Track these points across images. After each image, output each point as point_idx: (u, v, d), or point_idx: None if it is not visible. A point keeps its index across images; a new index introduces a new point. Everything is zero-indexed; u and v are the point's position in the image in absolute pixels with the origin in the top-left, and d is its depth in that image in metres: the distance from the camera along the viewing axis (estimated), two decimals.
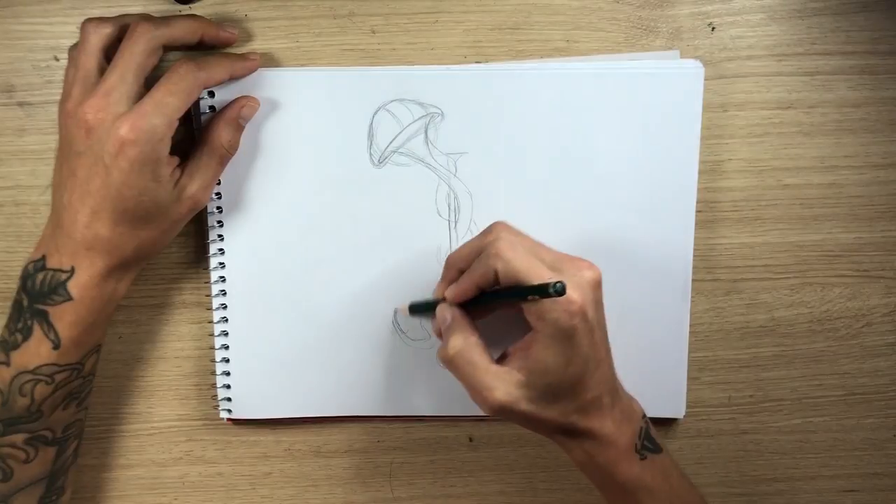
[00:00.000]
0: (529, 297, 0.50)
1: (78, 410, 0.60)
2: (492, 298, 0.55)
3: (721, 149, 0.65)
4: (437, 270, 0.63)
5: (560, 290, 0.47)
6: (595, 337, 0.52)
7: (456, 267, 0.57)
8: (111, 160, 0.53)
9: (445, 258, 0.58)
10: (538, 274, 0.50)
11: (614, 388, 0.55)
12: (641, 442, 0.55)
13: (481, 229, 0.61)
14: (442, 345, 0.55)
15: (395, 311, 0.64)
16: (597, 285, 0.52)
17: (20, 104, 0.62)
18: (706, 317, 0.67)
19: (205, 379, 0.67)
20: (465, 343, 0.53)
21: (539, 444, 0.69)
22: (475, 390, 0.53)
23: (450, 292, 0.56)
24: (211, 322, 0.65)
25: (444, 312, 0.56)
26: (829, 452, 0.70)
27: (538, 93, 0.62)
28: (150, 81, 0.55)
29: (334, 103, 0.62)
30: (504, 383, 0.52)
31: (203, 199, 0.58)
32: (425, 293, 0.64)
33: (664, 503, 0.55)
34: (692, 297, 0.66)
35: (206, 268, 0.64)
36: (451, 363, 0.54)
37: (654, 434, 0.57)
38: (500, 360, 0.54)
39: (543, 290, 0.48)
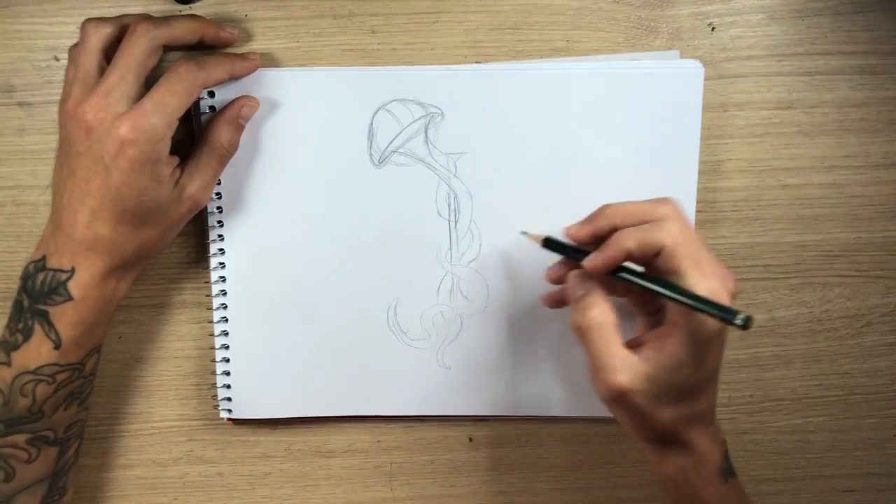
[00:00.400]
0: (700, 309, 0.48)
1: (79, 410, 0.60)
2: (643, 281, 0.52)
3: (721, 149, 0.65)
4: (437, 270, 0.64)
5: (744, 325, 0.46)
6: (722, 350, 0.52)
7: (610, 219, 0.53)
8: (111, 160, 0.53)
9: (565, 229, 0.56)
10: (702, 271, 0.49)
11: (715, 408, 0.54)
12: (726, 464, 0.55)
13: (482, 229, 0.62)
14: (577, 312, 0.53)
15: (523, 233, 0.62)
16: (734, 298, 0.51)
17: (20, 104, 0.62)
18: None
19: (205, 379, 0.67)
20: (603, 318, 0.52)
21: (539, 445, 0.69)
22: (599, 368, 0.51)
23: (596, 258, 0.52)
24: (211, 322, 0.65)
25: (583, 283, 0.54)
26: (828, 452, 0.70)
27: (538, 93, 0.62)
28: (150, 81, 0.55)
29: (334, 103, 0.62)
30: (631, 370, 0.50)
31: (203, 199, 0.58)
32: (425, 293, 0.64)
33: None
34: None
35: (207, 268, 0.64)
36: (584, 333, 0.52)
37: (730, 458, 0.56)
38: (630, 346, 0.52)
39: (727, 315, 0.47)
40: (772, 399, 0.69)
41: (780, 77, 0.64)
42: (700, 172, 0.63)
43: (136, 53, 0.54)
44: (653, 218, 0.52)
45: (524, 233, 0.62)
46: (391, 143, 0.62)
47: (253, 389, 0.66)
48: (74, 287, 0.55)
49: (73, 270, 0.55)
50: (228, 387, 0.66)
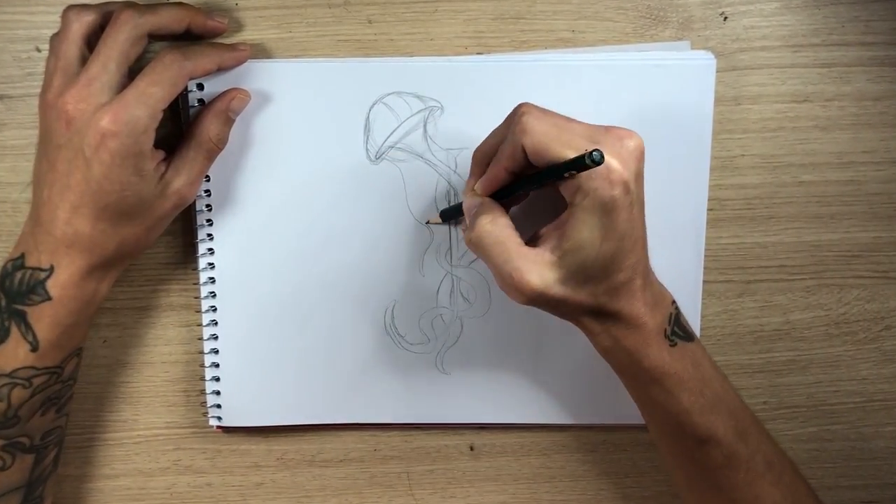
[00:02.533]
0: (565, 175, 0.47)
1: (57, 417, 0.59)
2: (524, 184, 0.52)
3: (734, 144, 0.64)
4: (436, 271, 0.63)
5: (598, 160, 0.44)
6: (633, 213, 0.50)
7: (482, 161, 0.55)
8: (92, 153, 0.52)
9: (463, 199, 0.56)
10: (571, 144, 0.48)
11: (646, 269, 0.53)
12: (671, 328, 0.54)
13: None
14: (468, 228, 0.53)
15: (427, 224, 0.63)
16: (639, 156, 0.50)
17: (0, 97, 0.62)
18: (718, 320, 0.66)
19: (193, 385, 0.67)
20: (494, 224, 0.52)
21: (543, 454, 0.69)
22: (505, 275, 0.51)
23: (479, 184, 0.54)
24: (200, 325, 0.64)
25: (472, 199, 0.55)
26: (846, 462, 0.69)
27: (542, 86, 0.61)
28: (133, 72, 0.54)
29: (329, 97, 0.61)
30: (537, 265, 0.50)
31: (189, 195, 0.58)
32: (424, 295, 0.64)
33: (694, 393, 0.54)
34: (703, 299, 0.65)
35: (195, 268, 0.64)
36: (478, 245, 0.52)
37: (685, 322, 0.55)
38: (531, 243, 0.52)
39: (579, 163, 0.45)
40: (787, 406, 0.68)
41: (795, 69, 0.63)
42: (712, 169, 0.63)
43: (120, 42, 0.53)
44: (509, 129, 0.51)
45: (427, 223, 0.63)
46: (388, 138, 0.62)
47: (244, 396, 0.65)
48: (53, 286, 0.54)
49: (51, 269, 0.54)
50: (218, 393, 0.65)
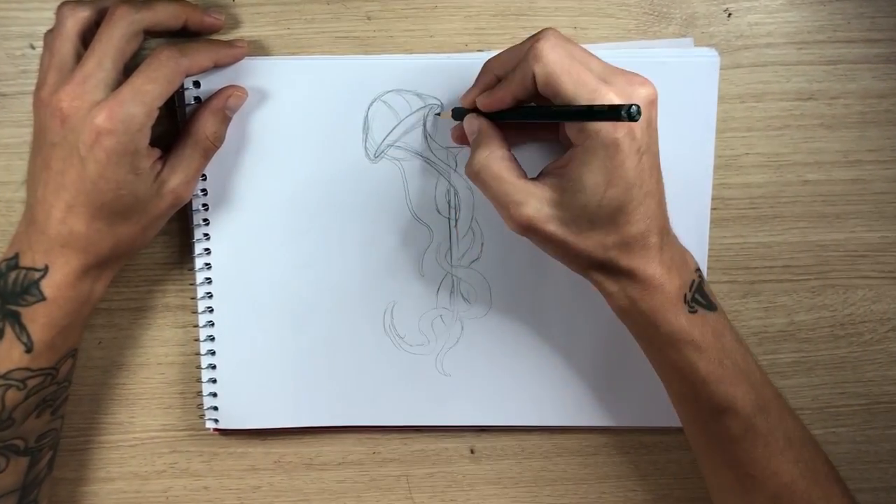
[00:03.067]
0: (594, 112, 0.46)
1: (52, 419, 0.59)
2: (532, 114, 0.52)
3: (738, 142, 0.64)
4: (436, 271, 0.63)
5: (634, 115, 0.42)
6: (643, 162, 0.49)
7: (493, 73, 0.54)
8: (87, 151, 0.52)
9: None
10: (582, 80, 0.48)
11: (665, 228, 0.53)
12: (692, 294, 0.53)
13: (483, 228, 0.62)
14: (468, 159, 0.53)
15: (435, 117, 0.61)
16: (651, 103, 0.49)
17: None
18: None
19: (190, 387, 0.66)
20: (492, 156, 0.52)
21: (544, 457, 0.68)
22: (502, 206, 0.51)
23: (481, 99, 0.54)
24: (196, 326, 0.64)
25: (473, 122, 0.55)
26: (852, 465, 0.69)
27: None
28: (129, 69, 0.54)
29: (327, 94, 0.61)
30: (534, 199, 0.50)
31: (185, 194, 0.58)
32: (423, 296, 0.63)
33: (713, 363, 0.53)
34: None
35: (192, 268, 0.64)
36: (476, 177, 0.52)
37: (708, 291, 0.55)
38: (534, 178, 0.52)
39: (614, 114, 0.43)
40: (792, 408, 0.67)
41: (800, 66, 0.63)
42: (715, 167, 0.63)
43: (115, 38, 0.53)
44: (525, 51, 0.50)
45: (437, 114, 0.61)
46: (387, 136, 0.61)
47: (241, 398, 0.65)
48: (48, 286, 0.54)
49: (46, 269, 0.54)
50: (215, 395, 0.65)
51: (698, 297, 0.54)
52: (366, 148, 0.61)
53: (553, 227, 0.50)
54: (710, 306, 0.54)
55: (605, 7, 0.62)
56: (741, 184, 0.64)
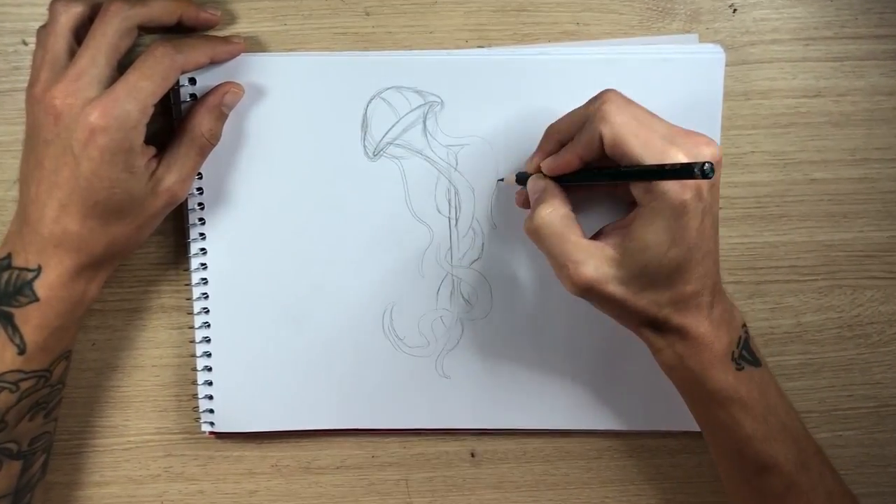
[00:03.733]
0: (665, 170, 0.47)
1: (46, 422, 0.59)
2: (598, 175, 0.52)
3: (743, 140, 0.64)
4: (436, 272, 0.63)
5: (708, 173, 0.43)
6: (705, 223, 0.50)
7: (556, 138, 0.55)
8: (80, 149, 0.52)
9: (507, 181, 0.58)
10: (650, 143, 0.48)
11: (717, 287, 0.53)
12: (739, 351, 0.54)
13: (484, 228, 0.62)
14: (528, 216, 0.54)
15: (498, 183, 0.62)
16: (717, 164, 0.50)
17: None
18: None
19: (185, 389, 0.66)
20: (555, 213, 0.52)
21: (546, 461, 0.68)
22: (561, 264, 0.51)
23: (547, 163, 0.54)
24: (192, 328, 0.64)
25: (538, 183, 0.55)
26: (859, 469, 0.69)
27: (545, 80, 0.61)
28: (123, 66, 0.54)
29: (325, 91, 0.61)
30: (594, 258, 0.51)
31: (181, 192, 0.58)
32: (423, 297, 0.63)
33: (759, 420, 0.54)
34: None
35: (187, 269, 0.64)
36: (536, 233, 0.53)
37: (754, 347, 0.56)
38: (593, 237, 0.53)
39: (687, 171, 0.45)
40: (799, 411, 0.66)
41: (807, 63, 0.63)
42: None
43: (109, 34, 0.53)
44: (589, 114, 0.52)
45: (500, 180, 0.62)
46: (387, 134, 0.61)
47: (237, 401, 0.65)
48: (41, 287, 0.54)
49: (39, 269, 0.54)
50: (210, 398, 0.65)
51: (745, 353, 0.55)
52: (364, 146, 0.61)
53: (612, 288, 0.51)
54: (756, 362, 0.55)
55: (607, 3, 0.62)
56: (746, 182, 0.64)
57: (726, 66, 0.61)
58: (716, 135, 0.61)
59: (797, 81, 0.63)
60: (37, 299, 0.54)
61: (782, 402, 0.56)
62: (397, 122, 0.61)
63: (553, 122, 0.56)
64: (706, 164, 0.43)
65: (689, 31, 0.62)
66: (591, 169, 0.53)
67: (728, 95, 0.62)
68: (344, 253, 0.63)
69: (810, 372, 0.67)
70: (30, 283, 0.54)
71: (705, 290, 0.52)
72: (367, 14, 0.61)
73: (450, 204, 0.62)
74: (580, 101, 0.59)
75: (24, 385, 0.55)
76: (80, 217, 0.53)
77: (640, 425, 0.66)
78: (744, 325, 0.55)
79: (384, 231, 0.63)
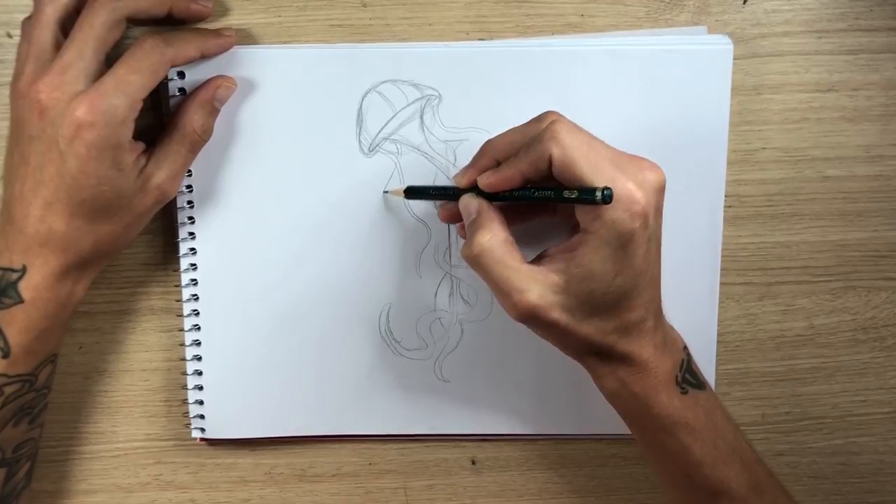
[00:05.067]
0: (566, 196, 0.49)
1: (31, 428, 0.59)
2: (528, 195, 0.53)
3: (753, 136, 0.64)
4: (435, 272, 0.63)
5: (607, 198, 0.47)
6: (650, 249, 0.51)
7: (493, 154, 0.55)
8: (66, 145, 0.52)
9: (460, 201, 0.56)
10: (598, 167, 0.49)
11: (659, 311, 0.54)
12: (682, 374, 0.55)
13: None
14: (466, 242, 0.53)
15: (385, 195, 0.62)
16: (660, 189, 0.51)
17: None
18: (737, 324, 0.67)
19: (175, 394, 0.67)
20: (494, 240, 0.52)
21: (549, 468, 0.69)
22: (503, 293, 0.51)
23: (485, 178, 0.54)
24: (182, 330, 0.64)
25: (471, 203, 0.55)
26: (874, 477, 0.69)
27: (548, 73, 0.61)
28: (111, 59, 0.54)
29: (319, 85, 0.61)
30: (538, 285, 0.51)
31: (171, 190, 0.58)
32: (421, 297, 0.64)
33: (707, 444, 0.54)
34: (721, 302, 0.65)
35: (177, 269, 0.64)
36: (476, 261, 0.53)
37: (696, 369, 0.56)
38: (535, 262, 0.53)
39: (589, 195, 0.47)
40: (811, 417, 0.68)
41: (819, 56, 0.63)
42: (729, 163, 0.63)
43: (96, 26, 0.53)
44: (536, 133, 0.52)
45: (386, 192, 0.62)
46: (383, 129, 0.62)
47: (229, 406, 0.65)
48: (26, 288, 0.54)
49: (24, 269, 0.54)
50: (201, 403, 0.65)
51: (688, 376, 0.55)
52: (360, 141, 0.62)
53: (556, 315, 0.51)
54: (700, 385, 0.56)
55: None
56: (757, 180, 0.64)
57: (736, 59, 0.61)
58: (724, 130, 0.62)
59: (809, 75, 0.63)
60: (21, 301, 0.54)
61: (730, 426, 0.57)
62: (394, 116, 0.61)
63: (492, 137, 0.56)
64: (606, 189, 0.47)
65: (697, 23, 0.62)
66: (524, 189, 0.53)
67: (738, 90, 0.62)
68: (339, 252, 0.63)
69: (823, 376, 0.67)
70: (14, 283, 0.54)
71: (649, 316, 0.53)
72: (364, 5, 0.61)
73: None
74: (583, 95, 0.60)
75: (9, 390, 0.55)
76: (67, 215, 0.53)
77: None
78: (685, 348, 0.56)
79: (380, 229, 0.63)
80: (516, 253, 0.52)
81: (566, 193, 0.49)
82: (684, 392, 0.54)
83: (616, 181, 0.49)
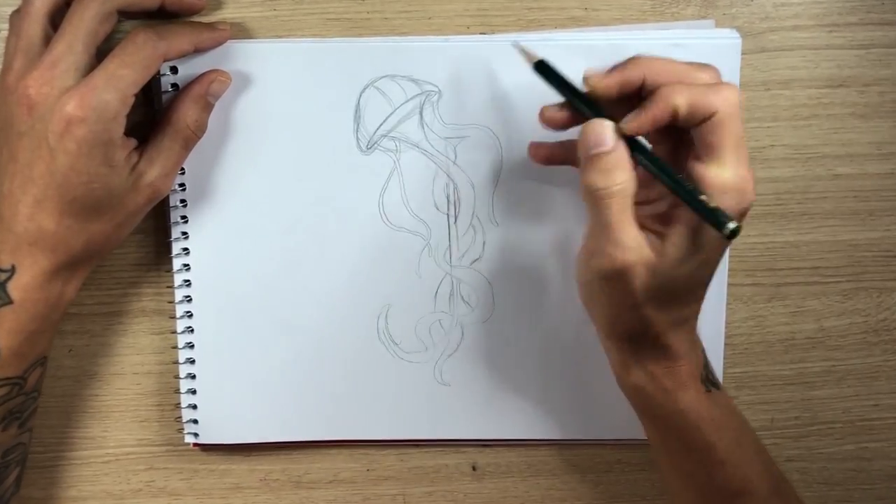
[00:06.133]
0: (696, 204, 0.49)
1: (20, 433, 0.59)
2: (662, 169, 0.51)
3: (762, 133, 0.64)
4: (435, 272, 0.63)
5: (731, 236, 0.47)
6: (722, 256, 0.52)
7: (643, 72, 0.51)
8: (56, 141, 0.52)
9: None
10: (739, 158, 0.49)
11: (698, 314, 0.55)
12: (706, 373, 0.55)
13: (485, 225, 0.62)
14: (597, 171, 0.51)
15: (515, 45, 0.56)
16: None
17: None
18: (745, 326, 0.66)
19: (168, 398, 0.67)
20: (629, 185, 0.51)
21: (553, 475, 0.69)
22: (610, 241, 0.51)
23: (635, 120, 0.50)
24: (174, 332, 0.64)
25: (606, 134, 0.51)
26: (887, 483, 0.69)
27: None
28: (102, 53, 0.54)
29: (316, 80, 0.61)
30: (639, 253, 0.50)
31: (163, 187, 0.58)
32: (420, 299, 0.64)
33: (732, 443, 0.55)
34: (728, 303, 0.65)
35: (169, 270, 0.64)
36: (604, 199, 0.51)
37: (712, 368, 0.57)
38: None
39: (719, 221, 0.48)
40: (821, 422, 0.68)
41: (830, 50, 0.63)
42: None
43: (87, 19, 0.53)
44: (696, 80, 0.51)
45: (515, 43, 0.57)
46: (381, 126, 0.62)
47: (223, 410, 0.65)
48: (14, 288, 0.54)
49: (13, 269, 0.54)
50: (194, 407, 0.65)
51: (709, 375, 0.56)
52: (357, 138, 0.62)
53: (637, 285, 0.51)
54: (717, 384, 0.56)
55: None
56: (766, 178, 0.64)
57: (744, 54, 0.61)
58: None
59: (820, 70, 0.63)
60: (10, 301, 0.54)
61: (748, 427, 0.57)
62: (392, 112, 0.61)
63: (642, 55, 0.52)
64: (737, 228, 0.47)
65: (704, 17, 0.62)
66: (653, 156, 0.51)
67: (746, 85, 0.62)
68: (336, 252, 0.63)
69: (833, 380, 0.67)
70: (3, 284, 0.54)
71: (695, 314, 0.54)
72: None
73: (448, 200, 0.62)
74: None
75: None
76: (57, 214, 0.53)
77: None
78: (703, 349, 0.57)
79: (378, 229, 0.63)
80: (634, 210, 0.51)
81: (702, 198, 0.49)
82: (708, 390, 0.55)
83: (744, 189, 0.49)
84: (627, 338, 0.54)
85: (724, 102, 0.49)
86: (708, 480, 0.55)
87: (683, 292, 0.52)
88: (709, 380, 0.55)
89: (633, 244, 0.50)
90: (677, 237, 0.50)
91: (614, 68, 0.52)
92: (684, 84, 0.50)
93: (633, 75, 0.51)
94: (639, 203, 0.53)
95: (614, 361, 0.56)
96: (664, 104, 0.49)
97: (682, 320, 0.53)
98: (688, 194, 0.49)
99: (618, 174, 0.51)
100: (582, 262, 0.54)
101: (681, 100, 0.49)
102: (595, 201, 0.51)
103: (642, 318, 0.52)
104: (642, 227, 0.52)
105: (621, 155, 0.51)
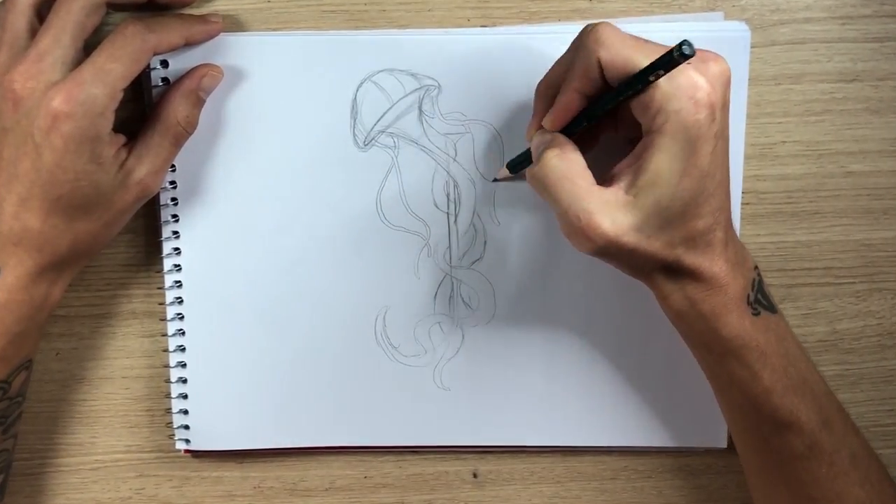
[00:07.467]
0: (651, 78, 0.47)
1: (4, 439, 0.59)
2: (598, 106, 0.51)
3: (773, 129, 0.64)
4: (434, 273, 0.63)
5: (689, 53, 0.44)
6: (717, 148, 0.49)
7: (547, 94, 0.54)
8: (42, 137, 0.52)
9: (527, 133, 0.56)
10: (656, 51, 0.48)
11: (730, 223, 0.53)
12: (755, 294, 0.54)
13: (486, 224, 0.62)
14: (535, 164, 0.52)
15: (495, 181, 0.62)
16: (726, 82, 0.49)
17: None
18: None
19: (158, 403, 0.67)
20: (562, 157, 0.51)
21: (556, 482, 0.69)
22: (572, 217, 0.50)
23: (548, 118, 0.53)
24: (165, 335, 0.64)
25: (541, 137, 0.54)
26: None
27: (552, 61, 0.59)
28: (90, 47, 0.54)
29: (312, 75, 0.61)
30: (609, 207, 0.50)
31: (153, 185, 0.58)
32: (419, 300, 0.63)
33: (777, 372, 0.54)
34: None
35: (160, 270, 0.64)
36: (542, 181, 0.51)
37: (768, 291, 0.56)
38: (603, 184, 0.51)
39: (667, 60, 0.45)
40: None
41: (843, 44, 0.63)
42: (747, 157, 0.63)
43: (74, 12, 0.53)
44: (577, 49, 0.51)
45: (495, 180, 0.62)
46: (379, 121, 0.62)
47: (215, 416, 0.65)
48: None
49: None
50: (186, 412, 0.65)
51: (760, 297, 0.54)
52: (354, 134, 0.62)
53: (629, 238, 0.50)
54: (772, 307, 0.55)
55: None
56: (776, 176, 0.64)
57: (754, 47, 0.61)
58: (741, 123, 0.62)
59: (832, 64, 0.63)
60: None
61: (801, 354, 0.56)
62: (390, 108, 0.61)
63: (540, 80, 0.55)
64: (684, 44, 0.44)
65: (713, 9, 0.62)
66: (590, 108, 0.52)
67: (756, 80, 0.62)
68: (332, 252, 0.63)
69: (847, 384, 0.67)
70: None
71: (718, 226, 0.51)
72: None
73: (448, 198, 0.62)
74: None
75: None
76: (43, 212, 0.53)
77: (660, 442, 0.66)
78: (756, 267, 0.55)
79: (376, 228, 0.63)
80: (587, 173, 0.51)
81: (643, 74, 0.47)
82: (756, 314, 0.54)
83: (676, 69, 0.47)
84: (651, 272, 0.53)
85: (598, 45, 0.49)
86: (755, 410, 0.55)
87: (676, 211, 0.49)
88: (759, 302, 0.54)
89: (595, 205, 0.49)
90: (647, 158, 0.49)
91: (532, 116, 0.56)
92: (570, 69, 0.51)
93: (543, 105, 0.55)
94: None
95: (657, 294, 0.55)
96: (564, 96, 0.52)
97: (693, 240, 0.51)
98: (627, 84, 0.49)
99: (549, 157, 0.51)
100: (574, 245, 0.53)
101: (574, 81, 0.51)
102: (541, 191, 0.52)
103: (650, 255, 0.51)
104: (620, 171, 0.51)
105: (553, 141, 0.52)
